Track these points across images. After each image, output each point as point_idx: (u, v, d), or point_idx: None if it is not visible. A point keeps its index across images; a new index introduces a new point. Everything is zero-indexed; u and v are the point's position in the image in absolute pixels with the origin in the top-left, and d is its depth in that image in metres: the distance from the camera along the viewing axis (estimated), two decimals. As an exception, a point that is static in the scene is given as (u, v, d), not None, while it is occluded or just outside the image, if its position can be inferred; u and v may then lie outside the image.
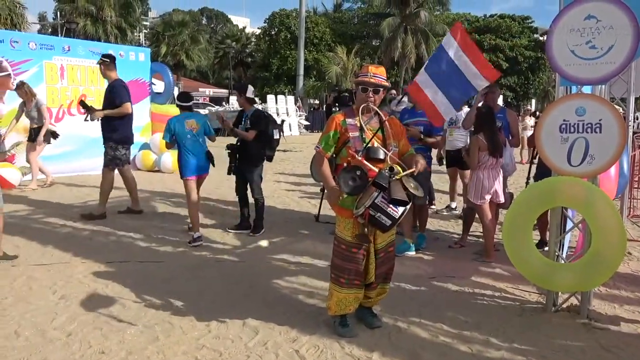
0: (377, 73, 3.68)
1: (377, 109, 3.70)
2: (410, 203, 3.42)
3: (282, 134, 6.61)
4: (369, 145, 3.57)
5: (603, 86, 4.41)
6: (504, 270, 5.11)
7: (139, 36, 54.24)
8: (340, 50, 36.96)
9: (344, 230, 3.67)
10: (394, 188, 3.26)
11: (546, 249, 4.71)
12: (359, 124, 3.65)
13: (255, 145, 6.24)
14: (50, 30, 46.29)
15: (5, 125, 8.75)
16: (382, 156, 3.56)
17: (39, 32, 45.19)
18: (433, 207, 8.30)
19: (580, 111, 3.93)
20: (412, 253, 5.65)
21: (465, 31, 5.30)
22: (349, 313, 3.76)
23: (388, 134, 3.69)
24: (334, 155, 3.74)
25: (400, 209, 3.38)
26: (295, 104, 30.18)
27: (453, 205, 8.19)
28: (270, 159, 6.55)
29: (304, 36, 37.36)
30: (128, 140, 7.22)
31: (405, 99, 6.09)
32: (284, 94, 33.63)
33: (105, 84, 10.30)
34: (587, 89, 4.23)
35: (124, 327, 3.72)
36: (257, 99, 7.36)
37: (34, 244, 5.73)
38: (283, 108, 28.06)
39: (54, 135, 9.06)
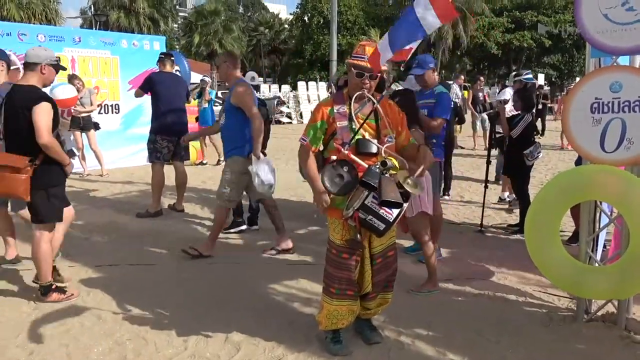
0: None
1: (371, 96, 3.16)
2: (407, 203, 2.92)
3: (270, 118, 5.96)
4: (358, 137, 3.06)
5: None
6: (532, 270, 4.52)
7: (175, 27, 54.49)
8: (374, 33, 36.07)
9: (334, 233, 3.19)
10: (386, 187, 2.75)
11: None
12: (348, 112, 3.14)
13: None
14: (89, 23, 47.07)
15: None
16: (374, 150, 3.05)
17: (81, 26, 46.04)
18: (447, 197, 7.71)
19: (615, 87, 3.32)
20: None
21: None
22: (343, 328, 3.28)
23: (383, 123, 3.17)
24: (321, 149, 3.25)
25: (395, 211, 2.89)
26: (328, 90, 29.61)
27: (505, 195, 7.49)
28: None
29: (337, 20, 36.60)
30: (167, 131, 6.60)
31: (409, 77, 5.37)
32: (316, 80, 33.11)
33: (118, 75, 10.27)
34: (624, 61, 3.58)
35: (93, 344, 3.35)
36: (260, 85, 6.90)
37: (27, 244, 5.42)
38: (314, 94, 27.62)
39: (96, 126, 9.30)
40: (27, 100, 3.74)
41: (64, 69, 4.26)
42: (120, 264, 4.79)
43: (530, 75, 7.09)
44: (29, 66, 3.87)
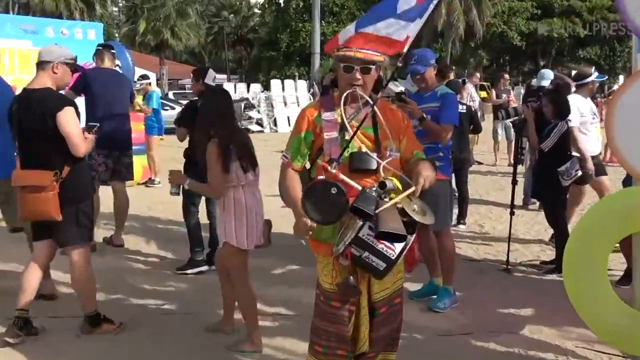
0: None
1: (367, 97, 3.15)
2: (413, 235, 2.90)
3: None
4: (351, 149, 3.03)
5: None
6: (574, 321, 4.53)
7: (115, 11, 54.67)
8: (367, 19, 36.51)
9: (323, 275, 3.16)
10: (385, 215, 2.72)
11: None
12: (339, 120, 3.12)
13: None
14: (4, 7, 47.01)
15: None
16: (373, 166, 3.03)
17: (-6, 10, 45.96)
18: (462, 226, 7.77)
19: (673, 87, 3.36)
20: (442, 306, 4.97)
21: None
22: (332, 397, 3.23)
23: (383, 132, 3.15)
24: (307, 167, 3.23)
25: (399, 245, 2.85)
26: (309, 90, 29.66)
27: None
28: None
29: (321, 3, 37.04)
30: (106, 143, 6.25)
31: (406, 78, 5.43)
32: (295, 78, 33.31)
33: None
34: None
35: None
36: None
37: None
38: (292, 96, 27.63)
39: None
40: (47, 107, 4.02)
41: (81, 70, 4.60)
42: (37, 316, 4.65)
43: (597, 73, 7.15)
44: (40, 65, 4.19)
